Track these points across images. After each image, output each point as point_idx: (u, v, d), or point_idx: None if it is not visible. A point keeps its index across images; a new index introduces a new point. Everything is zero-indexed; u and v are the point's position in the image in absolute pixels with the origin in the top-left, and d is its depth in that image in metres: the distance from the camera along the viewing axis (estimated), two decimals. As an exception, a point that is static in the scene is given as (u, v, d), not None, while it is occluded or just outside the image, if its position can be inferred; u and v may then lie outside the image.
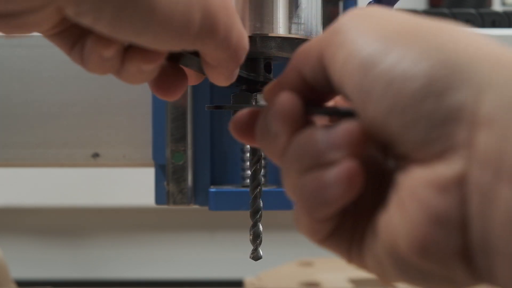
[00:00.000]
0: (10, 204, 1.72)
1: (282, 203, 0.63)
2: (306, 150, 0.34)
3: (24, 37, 0.70)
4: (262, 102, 0.48)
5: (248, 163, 0.65)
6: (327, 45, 0.34)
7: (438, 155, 0.30)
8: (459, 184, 0.29)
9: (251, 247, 0.50)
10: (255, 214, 0.50)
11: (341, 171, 0.32)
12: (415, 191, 0.30)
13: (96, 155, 0.70)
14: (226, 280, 1.73)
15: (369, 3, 0.50)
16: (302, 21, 0.48)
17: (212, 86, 0.66)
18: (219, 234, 1.79)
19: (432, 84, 0.29)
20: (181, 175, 0.65)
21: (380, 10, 0.35)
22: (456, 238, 0.29)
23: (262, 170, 0.60)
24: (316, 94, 0.37)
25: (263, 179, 0.63)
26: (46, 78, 0.70)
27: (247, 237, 0.50)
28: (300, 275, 1.22)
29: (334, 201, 0.33)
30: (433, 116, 0.29)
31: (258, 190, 0.49)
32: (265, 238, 0.51)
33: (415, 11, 0.73)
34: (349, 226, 0.36)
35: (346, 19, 0.34)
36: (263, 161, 0.64)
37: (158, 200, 0.66)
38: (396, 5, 0.50)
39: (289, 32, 0.47)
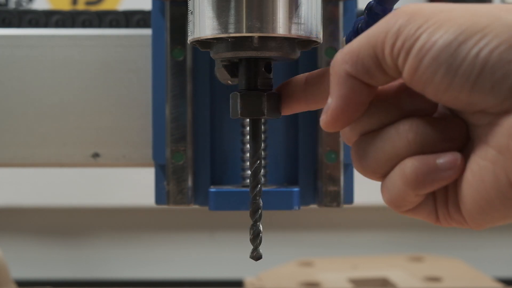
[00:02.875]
0: (10, 204, 1.72)
1: (282, 203, 0.63)
2: (425, 137, 0.41)
3: (24, 37, 0.70)
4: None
5: (248, 163, 0.65)
6: (389, 40, 0.40)
7: None
8: None
9: (251, 247, 0.50)
10: (255, 213, 0.50)
11: (451, 158, 0.40)
12: None
13: (96, 155, 0.70)
14: (226, 280, 1.73)
15: (369, 3, 0.50)
16: (302, 21, 0.48)
17: (212, 86, 0.66)
18: (219, 234, 1.79)
19: (511, 50, 0.37)
20: (181, 175, 0.65)
21: (435, 6, 0.40)
22: None
23: (262, 170, 0.60)
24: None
25: (263, 178, 0.63)
26: (46, 78, 0.70)
27: (247, 237, 0.50)
28: (300, 275, 1.22)
29: (441, 181, 0.41)
30: None
31: (258, 189, 0.49)
32: (265, 238, 0.51)
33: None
34: (432, 195, 0.43)
35: (407, 15, 0.40)
36: (263, 161, 0.64)
37: (158, 200, 0.66)
38: (396, 5, 0.49)
39: (289, 32, 0.47)
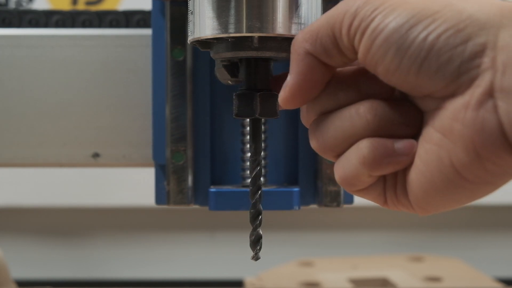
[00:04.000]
0: (10, 204, 1.72)
1: (282, 203, 0.63)
2: (383, 119, 0.42)
3: (24, 37, 0.70)
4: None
5: (248, 163, 0.65)
6: (347, 21, 0.41)
7: (468, 84, 0.39)
8: (490, 95, 0.38)
9: (251, 255, 0.50)
10: (255, 219, 0.50)
11: (408, 144, 0.42)
12: (458, 116, 0.39)
13: (96, 155, 0.70)
14: (226, 280, 1.73)
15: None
16: (302, 21, 0.48)
17: (212, 86, 0.66)
18: (219, 234, 1.79)
19: (459, 35, 0.39)
20: (181, 175, 0.65)
21: None
22: (499, 136, 0.38)
23: (262, 170, 0.60)
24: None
25: (263, 180, 0.63)
26: (46, 78, 0.70)
27: (247, 237, 0.50)
28: (300, 275, 1.22)
29: (396, 165, 0.42)
30: (463, 55, 0.39)
31: (258, 194, 0.49)
32: (265, 238, 0.51)
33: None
34: (382, 178, 0.44)
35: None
36: (263, 161, 0.64)
37: (158, 200, 0.66)
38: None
39: (289, 32, 0.47)
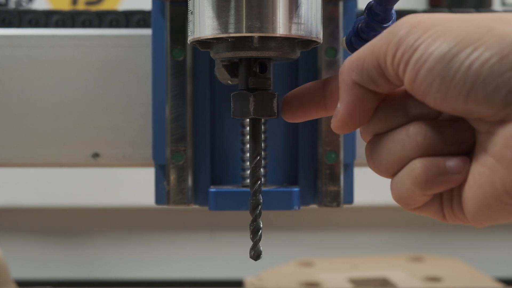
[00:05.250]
0: (10, 204, 1.72)
1: (282, 203, 0.63)
2: (433, 140, 0.42)
3: (24, 37, 0.70)
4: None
5: (248, 163, 0.65)
6: (391, 51, 0.42)
7: None
8: None
9: (250, 246, 0.50)
10: (255, 209, 0.50)
11: (460, 163, 0.42)
12: (509, 144, 0.39)
13: (96, 155, 0.70)
14: (226, 280, 1.73)
15: (369, 3, 0.50)
16: (302, 21, 0.48)
17: (212, 87, 0.66)
18: (219, 234, 1.79)
19: (503, 62, 0.38)
20: (181, 175, 0.65)
21: (435, 17, 0.42)
22: None
23: (262, 170, 0.60)
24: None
25: (263, 178, 0.63)
26: (46, 78, 0.70)
27: (247, 237, 0.50)
28: (300, 275, 1.22)
29: (449, 183, 0.42)
30: (510, 83, 0.38)
31: (257, 185, 0.49)
32: (265, 238, 0.51)
33: (415, 11, 0.73)
34: (439, 194, 0.44)
35: (408, 26, 0.42)
36: (263, 161, 0.64)
37: (158, 200, 0.66)
38: (396, 5, 0.50)
39: (289, 32, 0.47)
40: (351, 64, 0.44)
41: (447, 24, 0.41)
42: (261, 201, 0.50)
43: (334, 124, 0.46)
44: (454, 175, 0.42)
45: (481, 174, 0.41)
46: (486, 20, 0.41)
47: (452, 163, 0.42)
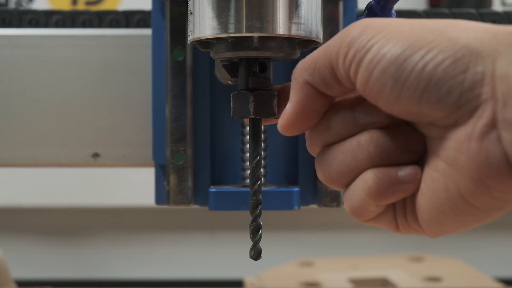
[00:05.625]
0: (10, 204, 1.72)
1: (282, 203, 0.63)
2: (385, 149, 0.42)
3: (24, 37, 0.70)
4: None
5: (248, 163, 0.65)
6: (342, 51, 0.42)
7: (470, 114, 0.39)
8: (493, 126, 0.38)
9: (251, 246, 0.50)
10: (255, 209, 0.50)
11: (412, 171, 0.42)
12: (462, 148, 0.39)
13: (96, 155, 0.70)
14: (226, 280, 1.73)
15: (369, 3, 0.50)
16: (302, 21, 0.48)
17: (212, 87, 0.66)
18: (219, 234, 1.79)
19: (457, 65, 0.39)
20: (181, 175, 0.65)
21: (386, 20, 0.42)
22: (504, 165, 0.38)
23: (262, 170, 0.60)
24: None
25: (263, 178, 0.63)
26: (46, 78, 0.70)
27: (247, 237, 0.50)
28: (300, 275, 1.22)
29: (402, 193, 0.42)
30: (463, 85, 0.39)
31: (258, 185, 0.49)
32: (265, 238, 0.51)
33: (415, 11, 0.73)
34: (391, 205, 0.44)
35: (360, 28, 0.42)
36: (263, 161, 0.64)
37: (158, 200, 0.66)
38: (396, 5, 0.50)
39: (289, 32, 0.47)
40: (304, 65, 0.44)
41: (399, 26, 0.41)
42: (261, 200, 0.50)
43: (281, 123, 0.46)
44: (407, 184, 0.42)
45: (434, 179, 0.41)
46: (437, 24, 0.41)
47: (404, 172, 0.42)
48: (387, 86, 0.40)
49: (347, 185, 0.44)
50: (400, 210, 0.44)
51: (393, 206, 0.44)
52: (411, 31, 0.40)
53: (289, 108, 0.45)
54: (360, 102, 0.44)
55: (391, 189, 0.42)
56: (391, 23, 0.41)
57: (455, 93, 0.39)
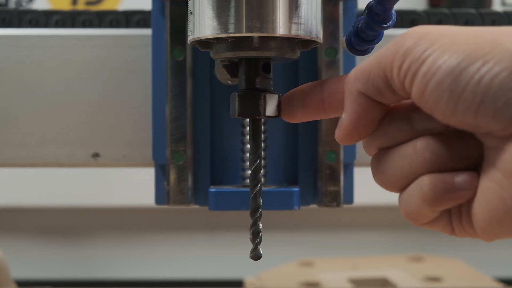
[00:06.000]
0: (10, 204, 1.72)
1: (282, 203, 0.63)
2: (441, 155, 0.42)
3: (24, 37, 0.70)
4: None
5: (248, 163, 0.65)
6: (397, 62, 0.41)
7: None
8: None
9: (251, 247, 0.50)
10: (255, 212, 0.50)
11: (469, 178, 0.42)
12: None
13: (96, 155, 0.70)
14: (226, 280, 1.73)
15: (369, 3, 0.50)
16: (302, 21, 0.48)
17: (212, 87, 0.66)
18: (219, 234, 1.79)
19: None
20: (181, 175, 0.65)
21: (441, 29, 0.42)
22: None
23: (262, 170, 0.60)
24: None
25: (263, 178, 0.63)
26: (46, 78, 0.70)
27: (247, 237, 0.50)
28: (300, 275, 1.22)
29: (457, 199, 0.42)
30: None
31: (258, 188, 0.49)
32: (265, 238, 0.51)
33: (415, 11, 0.73)
34: (447, 210, 0.44)
35: (415, 37, 0.41)
36: (263, 161, 0.64)
37: (158, 200, 0.66)
38: (396, 5, 0.49)
39: (289, 32, 0.47)
40: (357, 74, 0.44)
41: (454, 36, 0.40)
42: (261, 204, 0.50)
43: (338, 135, 0.46)
44: (463, 191, 0.42)
45: (490, 189, 0.41)
46: (493, 34, 0.40)
47: (460, 179, 0.42)
48: (442, 98, 0.40)
49: (403, 189, 0.44)
50: (455, 215, 0.44)
51: (448, 211, 0.44)
52: (466, 41, 0.40)
53: (346, 119, 0.45)
54: (416, 109, 0.43)
55: (447, 195, 0.42)
56: (445, 32, 0.41)
57: None
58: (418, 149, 0.42)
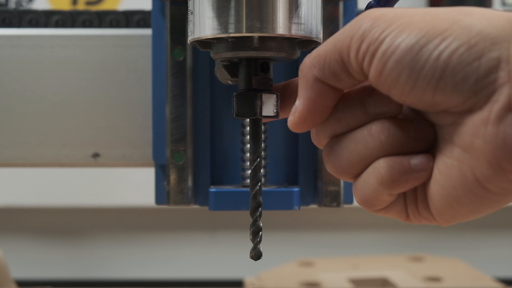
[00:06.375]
0: (10, 204, 1.72)
1: (282, 203, 0.63)
2: (397, 138, 0.42)
3: (24, 37, 0.70)
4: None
5: (248, 163, 0.65)
6: (355, 44, 0.41)
7: (486, 99, 0.39)
8: (509, 110, 0.38)
9: (251, 247, 0.50)
10: (255, 211, 0.50)
11: (425, 159, 0.42)
12: (478, 133, 0.39)
13: (96, 155, 0.70)
14: (226, 280, 1.73)
15: (369, 3, 0.50)
16: (302, 21, 0.48)
17: (212, 86, 0.66)
18: (219, 234, 1.79)
19: (472, 51, 0.39)
20: (181, 175, 0.65)
21: (396, 10, 0.42)
22: None
23: (262, 170, 0.60)
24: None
25: (263, 178, 0.63)
26: (46, 78, 0.70)
27: (247, 237, 0.50)
28: (300, 275, 1.22)
29: (414, 181, 0.42)
30: (478, 72, 0.39)
31: (258, 187, 0.49)
32: (265, 238, 0.51)
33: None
34: (402, 194, 0.44)
35: (371, 19, 0.41)
36: (263, 161, 0.64)
37: (158, 200, 0.66)
38: (396, 5, 0.50)
39: (289, 32, 0.47)
40: (313, 60, 0.44)
41: (411, 17, 0.41)
42: (262, 203, 0.50)
43: (292, 122, 0.45)
44: (420, 173, 0.42)
45: (448, 166, 0.41)
46: (449, 12, 0.41)
47: (416, 160, 0.42)
48: (402, 76, 0.40)
49: (357, 175, 0.44)
50: (411, 200, 0.44)
51: (403, 195, 0.44)
52: (423, 20, 0.40)
53: (300, 105, 0.45)
54: (370, 93, 0.44)
55: (404, 177, 0.42)
56: (402, 13, 0.41)
57: (471, 80, 0.39)
58: (374, 132, 0.43)
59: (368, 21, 0.41)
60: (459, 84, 0.39)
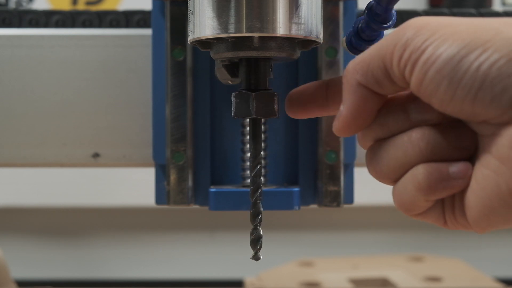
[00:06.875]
0: (10, 204, 1.72)
1: (282, 203, 0.63)
2: (436, 145, 0.42)
3: (24, 37, 0.70)
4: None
5: (248, 163, 0.65)
6: (397, 52, 0.42)
7: None
8: None
9: (251, 254, 0.50)
10: (255, 217, 0.50)
11: (463, 168, 0.42)
12: None
13: (96, 155, 0.70)
14: (226, 280, 1.73)
15: (369, 3, 0.50)
16: (302, 21, 0.48)
17: (212, 86, 0.66)
18: (219, 234, 1.79)
19: (511, 64, 0.39)
20: (181, 175, 0.65)
21: (441, 20, 0.42)
22: None
23: (263, 170, 0.60)
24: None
25: (263, 180, 0.63)
26: (46, 78, 0.70)
27: (247, 237, 0.50)
28: (300, 275, 1.22)
29: (452, 189, 0.42)
30: None
31: (258, 193, 0.49)
32: (265, 238, 0.51)
33: (415, 11, 0.73)
34: (440, 200, 0.44)
35: (415, 28, 0.42)
36: (263, 161, 0.64)
37: (158, 200, 0.66)
38: (396, 5, 0.50)
39: (289, 32, 0.47)
40: (356, 66, 0.44)
41: (454, 27, 0.41)
42: (262, 210, 0.50)
43: (337, 126, 0.46)
44: (457, 181, 0.42)
45: (485, 176, 0.41)
46: (492, 24, 0.41)
47: (455, 168, 0.42)
48: (441, 86, 0.40)
49: (397, 180, 0.45)
50: (448, 206, 0.44)
51: (441, 202, 0.44)
52: (466, 31, 0.40)
53: (344, 110, 0.45)
54: (412, 100, 0.44)
55: (441, 184, 0.42)
56: (446, 23, 0.42)
57: (510, 92, 0.39)
58: (414, 139, 0.43)
59: (412, 30, 0.42)
60: (498, 96, 0.39)
